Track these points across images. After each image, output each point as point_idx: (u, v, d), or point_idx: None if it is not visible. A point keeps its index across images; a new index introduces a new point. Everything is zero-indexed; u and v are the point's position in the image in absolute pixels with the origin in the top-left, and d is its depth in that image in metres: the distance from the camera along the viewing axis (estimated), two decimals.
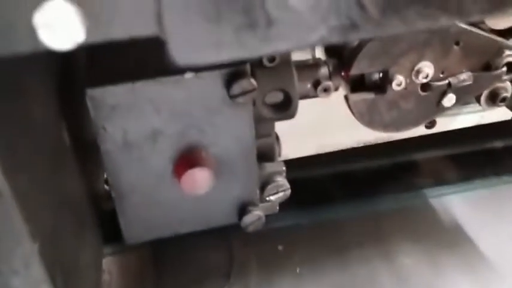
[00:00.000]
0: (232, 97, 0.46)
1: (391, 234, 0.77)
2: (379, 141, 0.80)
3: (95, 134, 0.47)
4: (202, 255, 0.76)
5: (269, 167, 0.54)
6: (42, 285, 0.33)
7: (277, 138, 0.58)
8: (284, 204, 0.73)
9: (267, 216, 0.81)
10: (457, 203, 0.80)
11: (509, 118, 0.79)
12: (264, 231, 0.79)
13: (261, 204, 0.54)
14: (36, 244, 0.30)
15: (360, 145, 0.79)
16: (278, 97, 0.52)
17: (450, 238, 0.76)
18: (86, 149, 0.57)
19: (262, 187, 0.53)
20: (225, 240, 0.77)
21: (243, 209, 0.52)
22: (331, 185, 0.81)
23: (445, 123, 0.82)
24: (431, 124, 0.81)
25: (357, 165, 0.80)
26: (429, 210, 0.80)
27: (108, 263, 0.70)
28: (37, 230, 0.31)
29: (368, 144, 0.79)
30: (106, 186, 0.77)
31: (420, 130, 0.82)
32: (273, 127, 0.54)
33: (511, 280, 0.70)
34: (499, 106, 0.59)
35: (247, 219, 0.52)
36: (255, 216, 0.52)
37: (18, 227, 0.29)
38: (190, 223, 0.52)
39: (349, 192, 0.80)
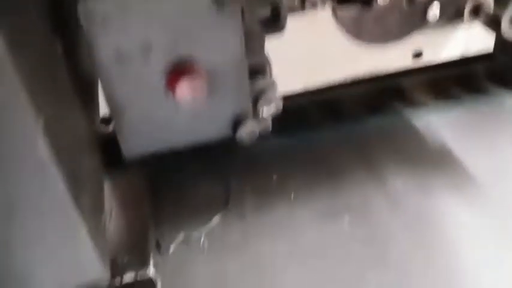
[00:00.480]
0: (219, 4, 0.47)
1: (381, 159, 0.79)
2: (367, 75, 0.81)
3: (90, 66, 0.48)
4: (199, 187, 0.78)
5: (261, 82, 0.55)
6: (47, 166, 0.34)
7: (269, 59, 0.59)
8: (276, 133, 0.75)
9: (260, 147, 0.83)
10: (442, 126, 0.82)
11: (491, 51, 0.81)
12: (258, 163, 0.81)
13: (254, 119, 0.56)
14: (41, 121, 0.32)
15: (348, 79, 0.80)
16: (267, 12, 0.54)
17: (437, 159, 0.78)
18: (82, 84, 0.58)
19: (255, 101, 0.55)
20: (221, 172, 0.79)
21: (237, 123, 0.54)
22: (320, 113, 0.83)
23: (431, 55, 0.84)
24: (418, 55, 0.83)
25: (345, 93, 0.81)
26: (416, 134, 0.82)
27: (108, 195, 0.72)
28: (40, 110, 0.32)
29: (356, 78, 0.81)
30: (102, 126, 0.79)
31: (407, 61, 0.84)
32: (263, 44, 0.56)
33: (496, 195, 0.73)
34: (480, 20, 0.61)
35: (242, 131, 0.54)
36: (248, 128, 0.54)
37: (22, 101, 0.30)
38: (186, 137, 0.54)
39: (337, 118, 0.82)
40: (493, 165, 0.78)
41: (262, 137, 0.62)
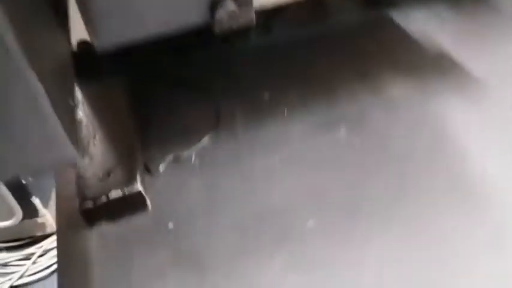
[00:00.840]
0: None
1: (376, 67, 0.75)
2: None
3: None
4: (186, 109, 0.74)
5: None
6: None
7: None
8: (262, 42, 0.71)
9: (248, 64, 0.79)
10: (440, 32, 0.78)
11: None
12: (248, 81, 0.77)
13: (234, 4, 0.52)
14: None
15: None
16: None
17: (435, 64, 0.74)
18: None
19: None
20: (209, 93, 0.75)
21: (214, 3, 0.50)
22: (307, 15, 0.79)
23: None
24: None
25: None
26: (412, 41, 0.78)
27: (92, 118, 0.69)
28: None
29: None
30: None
31: None
32: None
33: (499, 95, 0.70)
34: None
35: (220, 12, 0.50)
36: (227, 9, 0.50)
37: None
38: (161, 22, 0.50)
39: (326, 24, 0.79)
40: (495, 66, 0.74)
41: (246, 37, 0.59)
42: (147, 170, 0.67)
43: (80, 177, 0.62)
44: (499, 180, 0.62)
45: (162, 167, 0.67)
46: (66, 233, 0.63)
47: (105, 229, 0.62)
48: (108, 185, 0.61)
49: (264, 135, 0.70)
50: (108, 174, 0.63)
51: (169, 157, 0.68)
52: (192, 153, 0.68)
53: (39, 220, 1.51)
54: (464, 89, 0.71)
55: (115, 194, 0.60)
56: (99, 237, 0.62)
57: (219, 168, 0.67)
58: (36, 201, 1.49)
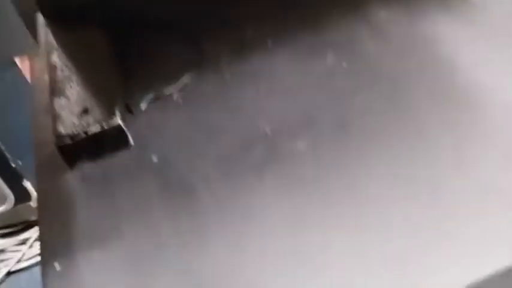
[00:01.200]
0: None
1: None
2: None
3: None
4: (167, 48, 0.71)
5: None
6: None
7: None
8: None
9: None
10: None
11: None
12: (229, 19, 0.74)
13: None
14: None
15: None
16: None
17: None
18: None
19: None
20: (190, 33, 0.72)
21: None
22: None
23: None
24: None
25: None
26: None
27: (68, 58, 0.66)
28: None
29: None
30: None
31: None
32: None
33: (489, 12, 0.67)
34: None
35: None
36: None
37: None
38: None
39: None
40: None
41: None
42: (129, 110, 0.64)
43: (56, 116, 0.59)
44: (492, 91, 0.59)
45: (143, 106, 0.64)
46: (45, 179, 0.60)
47: (87, 169, 0.59)
48: (86, 122, 0.58)
49: (248, 68, 0.67)
50: (86, 111, 0.60)
51: (150, 95, 0.65)
52: (174, 91, 0.65)
53: (32, 204, 1.48)
54: (452, 8, 0.68)
55: (94, 128, 0.58)
56: (81, 178, 0.59)
57: (203, 103, 0.64)
58: (27, 184, 1.46)
